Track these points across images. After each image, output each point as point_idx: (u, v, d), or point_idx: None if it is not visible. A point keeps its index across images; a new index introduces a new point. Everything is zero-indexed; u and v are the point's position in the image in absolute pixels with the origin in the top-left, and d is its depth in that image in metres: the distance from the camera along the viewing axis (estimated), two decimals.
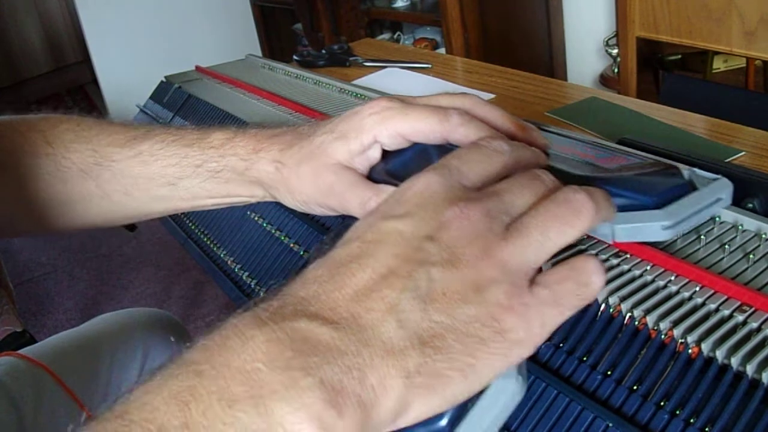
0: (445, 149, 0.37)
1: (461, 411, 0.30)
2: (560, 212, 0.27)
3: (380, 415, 0.23)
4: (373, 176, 0.41)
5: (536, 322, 0.25)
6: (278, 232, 0.57)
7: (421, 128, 0.37)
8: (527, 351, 0.25)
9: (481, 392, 0.29)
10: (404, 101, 0.39)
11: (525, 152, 0.32)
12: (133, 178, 0.47)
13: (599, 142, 0.47)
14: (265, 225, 0.58)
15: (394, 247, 0.26)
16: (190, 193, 0.46)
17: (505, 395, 0.30)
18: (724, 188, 0.39)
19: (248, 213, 0.61)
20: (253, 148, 0.43)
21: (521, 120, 0.38)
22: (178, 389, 0.21)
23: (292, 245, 0.55)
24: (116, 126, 0.50)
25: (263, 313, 0.24)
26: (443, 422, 0.29)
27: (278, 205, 0.56)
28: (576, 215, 0.27)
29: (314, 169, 0.40)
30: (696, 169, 0.40)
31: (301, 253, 0.54)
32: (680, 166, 0.41)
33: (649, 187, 0.38)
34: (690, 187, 0.39)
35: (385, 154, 0.40)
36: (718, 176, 0.39)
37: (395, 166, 0.41)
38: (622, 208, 0.36)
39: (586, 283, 0.27)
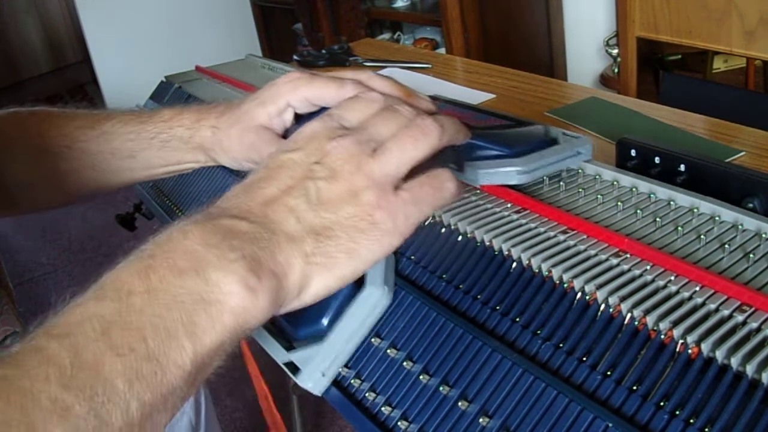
0: None
1: (337, 314, 0.39)
2: (412, 133, 0.35)
3: (289, 285, 0.31)
4: (287, 136, 0.47)
5: (401, 216, 0.34)
6: None
7: (322, 94, 0.45)
8: (396, 240, 0.34)
9: (354, 299, 0.38)
10: (313, 74, 0.47)
11: (397, 101, 0.39)
12: (100, 154, 0.55)
13: (480, 107, 0.55)
14: None
15: (291, 171, 0.34)
16: (147, 163, 0.54)
17: (372, 300, 0.39)
18: (584, 144, 0.46)
19: None
20: (196, 119, 0.52)
21: (413, 90, 0.44)
22: (138, 268, 0.29)
23: None
24: (81, 112, 0.58)
25: (196, 217, 0.32)
26: (324, 321, 0.39)
27: None
28: (425, 134, 0.35)
29: (240, 131, 0.48)
30: (565, 131, 0.47)
31: None
32: (550, 127, 0.47)
33: (511, 141, 0.45)
34: (552, 143, 0.45)
35: (299, 118, 0.48)
36: (581, 135, 0.46)
37: None
38: (487, 158, 0.44)
39: (441, 188, 0.36)
